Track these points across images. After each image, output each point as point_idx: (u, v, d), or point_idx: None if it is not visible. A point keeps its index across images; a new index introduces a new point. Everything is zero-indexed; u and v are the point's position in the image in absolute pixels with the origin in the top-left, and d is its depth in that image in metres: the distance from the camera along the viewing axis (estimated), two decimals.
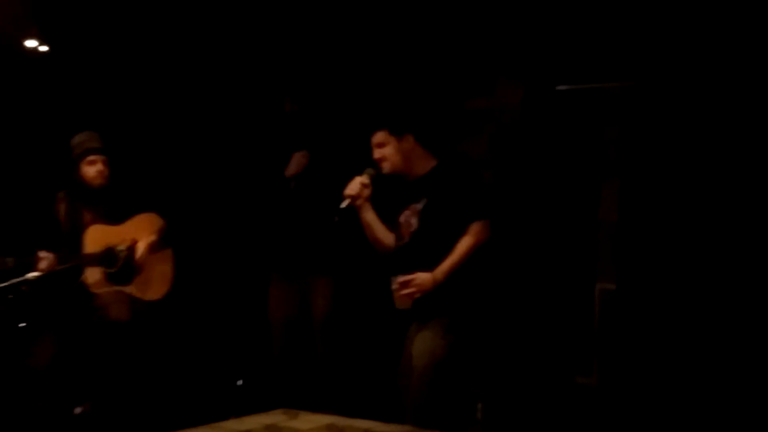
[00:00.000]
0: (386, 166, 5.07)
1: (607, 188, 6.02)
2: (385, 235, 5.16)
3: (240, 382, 6.81)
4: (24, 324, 6.17)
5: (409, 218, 5.06)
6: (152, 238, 5.87)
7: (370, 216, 5.12)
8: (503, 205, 5.60)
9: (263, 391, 6.21)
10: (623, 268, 5.87)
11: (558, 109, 6.11)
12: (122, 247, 5.74)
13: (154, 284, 5.88)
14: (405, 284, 4.86)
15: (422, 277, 4.83)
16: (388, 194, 5.16)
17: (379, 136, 5.08)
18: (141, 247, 5.79)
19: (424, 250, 4.94)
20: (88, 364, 5.73)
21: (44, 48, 7.03)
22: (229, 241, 6.95)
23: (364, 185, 5.02)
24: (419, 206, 5.01)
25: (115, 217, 5.86)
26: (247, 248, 6.67)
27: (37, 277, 5.20)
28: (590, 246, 6.02)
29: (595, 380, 5.94)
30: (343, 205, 5.01)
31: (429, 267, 4.86)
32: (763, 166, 5.40)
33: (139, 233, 5.85)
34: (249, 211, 6.47)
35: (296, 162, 6.10)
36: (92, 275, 5.70)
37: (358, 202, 5.04)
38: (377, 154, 5.08)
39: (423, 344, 4.92)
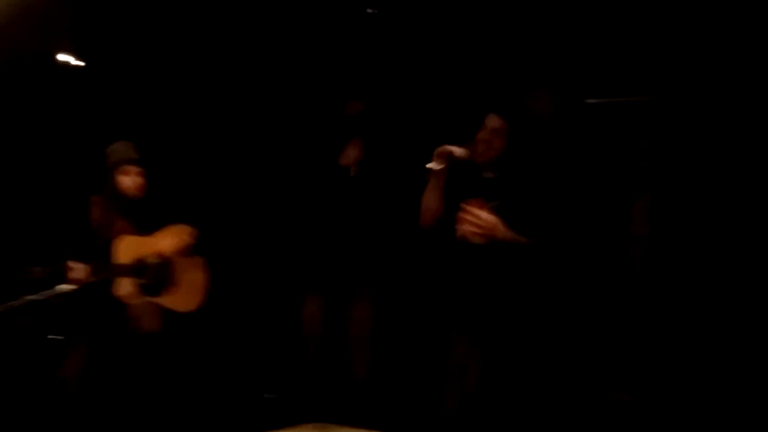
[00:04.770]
0: (487, 153, 4.94)
1: (638, 202, 6.01)
2: (439, 207, 5.06)
3: (270, 396, 6.82)
4: (55, 335, 6.21)
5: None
6: (183, 239, 5.88)
7: (440, 185, 5.00)
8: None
9: (293, 404, 6.20)
10: (655, 282, 5.86)
11: (588, 123, 6.09)
12: (153, 259, 5.76)
13: (187, 295, 5.88)
14: (474, 216, 4.78)
15: (495, 222, 4.74)
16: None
17: (499, 122, 4.95)
18: (170, 247, 5.81)
19: (477, 249, 4.86)
20: (119, 375, 5.75)
21: (78, 62, 7.10)
22: (263, 252, 6.96)
23: (455, 155, 4.94)
24: (492, 205, 4.88)
25: (147, 227, 5.87)
26: (281, 260, 6.65)
27: (70, 290, 5.23)
28: (623, 260, 6.01)
29: (630, 396, 5.91)
30: (429, 165, 4.93)
31: (481, 265, 4.86)
32: None
33: (169, 242, 5.87)
34: (286, 222, 6.45)
35: (352, 150, 6.04)
36: (124, 286, 5.70)
37: (440, 168, 4.95)
38: (487, 135, 4.93)
39: (474, 360, 4.92)
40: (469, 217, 4.78)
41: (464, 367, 4.95)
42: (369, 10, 6.72)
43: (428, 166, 4.96)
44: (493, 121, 4.96)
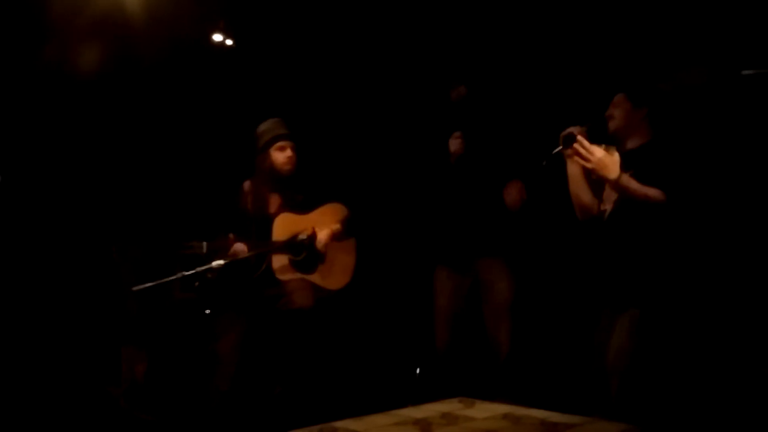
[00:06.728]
0: (611, 125, 5.08)
1: None
2: (586, 193, 5.12)
3: (418, 371, 6.85)
4: (209, 311, 6.35)
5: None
6: (336, 226, 5.95)
7: (575, 169, 5.10)
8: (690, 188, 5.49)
9: (441, 379, 6.23)
10: None
11: (743, 94, 5.96)
12: (304, 236, 5.82)
13: (337, 273, 5.97)
14: (586, 150, 4.82)
15: (609, 160, 4.79)
16: None
17: (617, 97, 5.12)
18: (323, 236, 5.87)
19: (625, 219, 4.92)
20: (272, 350, 5.85)
21: (230, 42, 7.23)
22: (408, 230, 7.01)
23: (575, 134, 4.97)
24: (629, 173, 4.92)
25: (302, 205, 5.95)
26: (417, 237, 6.69)
27: (223, 265, 5.34)
28: None
29: None
30: (555, 151, 5.03)
31: (629, 238, 4.89)
32: None
33: (324, 223, 5.94)
34: (418, 200, 6.51)
35: (452, 145, 6.09)
36: (278, 262, 5.81)
37: (569, 152, 5.01)
38: (609, 110, 5.11)
39: (618, 341, 4.89)
40: (581, 150, 4.80)
41: (607, 340, 4.93)
42: None
43: (555, 152, 5.03)
44: (615, 97, 5.12)
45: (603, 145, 4.88)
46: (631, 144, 5.05)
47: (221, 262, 5.34)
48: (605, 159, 4.79)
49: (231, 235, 5.67)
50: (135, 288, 5.23)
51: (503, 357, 6.10)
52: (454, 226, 6.14)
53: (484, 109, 6.18)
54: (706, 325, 5.87)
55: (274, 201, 5.94)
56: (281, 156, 5.89)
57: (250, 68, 7.35)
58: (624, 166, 4.87)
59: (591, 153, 4.80)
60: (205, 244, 5.56)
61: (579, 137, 4.86)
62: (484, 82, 6.29)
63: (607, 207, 5.05)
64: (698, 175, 5.06)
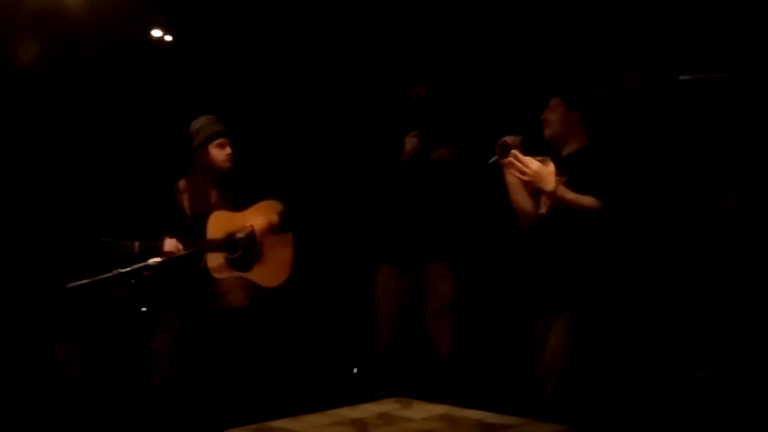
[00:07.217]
0: (547, 131, 5.11)
1: (731, 179, 5.92)
2: (524, 201, 5.12)
3: (355, 370, 6.85)
4: (145, 309, 6.31)
5: None
6: (273, 217, 5.93)
7: (513, 177, 5.06)
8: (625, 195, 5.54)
9: (378, 379, 6.23)
10: (745, 262, 5.77)
11: (681, 99, 6.02)
12: (241, 234, 5.80)
13: (274, 271, 5.93)
14: (522, 163, 4.83)
15: (544, 172, 4.81)
16: None
17: (553, 101, 5.13)
18: (261, 226, 5.85)
19: (559, 224, 4.94)
20: (207, 349, 5.81)
21: (169, 37, 7.19)
22: (348, 227, 7.00)
23: (509, 143, 5.01)
24: (562, 180, 4.96)
25: (239, 202, 5.93)
26: (361, 235, 6.68)
27: (159, 263, 5.29)
28: (713, 239, 5.92)
29: (715, 375, 5.84)
30: (490, 160, 5.06)
31: (563, 242, 4.92)
32: None
33: (260, 220, 5.92)
34: (364, 197, 6.50)
35: (409, 143, 6.07)
36: (214, 260, 5.78)
37: (505, 160, 5.02)
38: (544, 114, 5.13)
39: (553, 343, 4.93)
40: (516, 163, 4.81)
41: (543, 342, 4.97)
42: None
43: (491, 161, 5.07)
44: (550, 101, 5.14)
45: (538, 157, 4.90)
46: (568, 149, 5.08)
47: (158, 259, 5.30)
48: (541, 171, 4.80)
49: (165, 236, 5.61)
50: (70, 285, 5.16)
51: (443, 358, 6.10)
52: (403, 224, 6.12)
53: (442, 110, 6.17)
54: (640, 328, 5.92)
55: (212, 198, 5.91)
56: (221, 153, 5.87)
57: (189, 64, 7.30)
58: (560, 172, 4.90)
59: (526, 166, 4.82)
60: (137, 243, 5.52)
61: (514, 151, 4.88)
62: (445, 84, 6.29)
63: (544, 211, 5.08)
64: (632, 180, 5.11)
